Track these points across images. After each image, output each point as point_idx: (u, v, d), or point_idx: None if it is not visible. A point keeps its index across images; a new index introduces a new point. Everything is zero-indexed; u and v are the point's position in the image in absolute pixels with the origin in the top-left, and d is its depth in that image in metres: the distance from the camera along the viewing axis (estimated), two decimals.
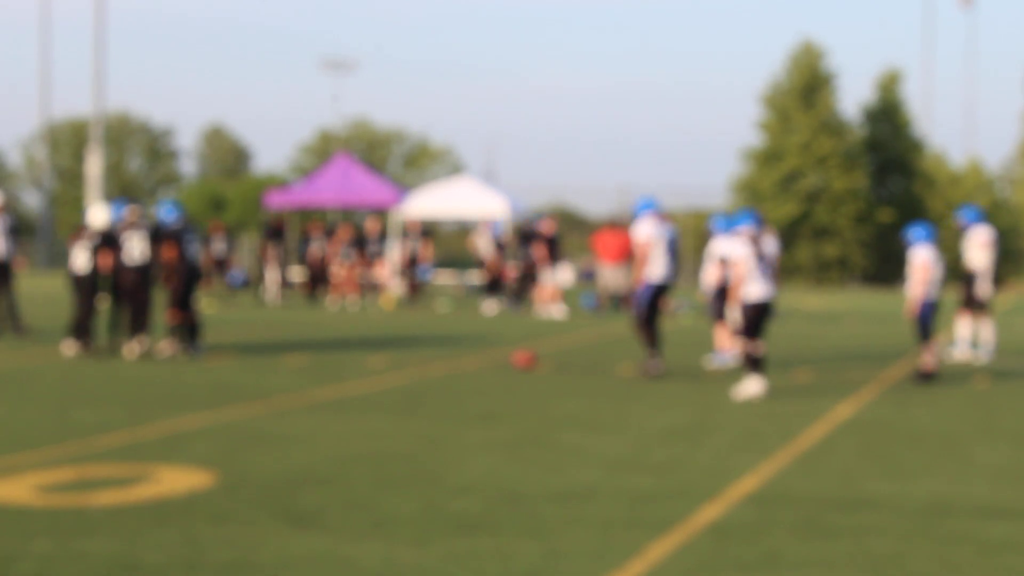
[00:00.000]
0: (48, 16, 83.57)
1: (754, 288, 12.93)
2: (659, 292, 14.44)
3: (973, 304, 17.15)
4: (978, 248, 17.22)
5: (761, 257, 13.00)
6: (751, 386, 12.66)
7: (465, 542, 6.63)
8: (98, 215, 16.31)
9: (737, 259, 13.00)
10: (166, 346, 16.06)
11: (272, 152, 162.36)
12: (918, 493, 8.04)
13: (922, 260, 14.39)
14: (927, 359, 14.26)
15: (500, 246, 28.92)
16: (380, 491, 7.87)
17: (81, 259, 16.02)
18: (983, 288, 17.13)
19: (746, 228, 13.13)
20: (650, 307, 14.40)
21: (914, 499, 7.85)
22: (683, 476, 8.54)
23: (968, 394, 13.33)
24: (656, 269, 14.43)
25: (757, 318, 12.91)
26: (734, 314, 12.92)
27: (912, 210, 49.77)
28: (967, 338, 17.23)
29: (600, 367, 15.30)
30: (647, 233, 14.48)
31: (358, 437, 9.95)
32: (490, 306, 27.87)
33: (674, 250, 14.71)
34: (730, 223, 16.30)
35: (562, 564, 6.24)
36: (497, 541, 6.66)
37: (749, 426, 10.85)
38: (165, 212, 16.49)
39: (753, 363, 12.75)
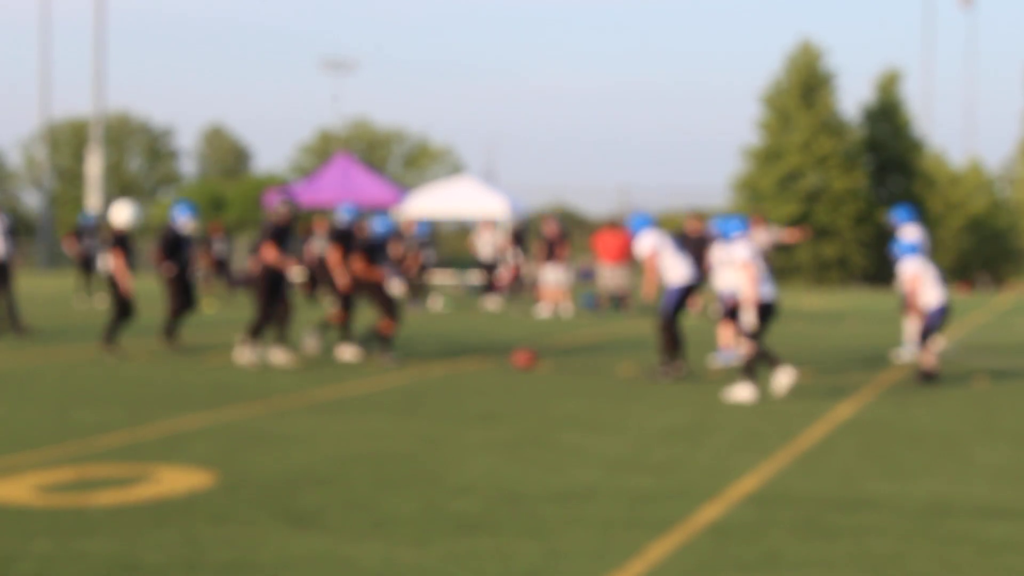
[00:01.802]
0: (48, 16, 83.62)
1: (765, 289, 12.93)
2: (687, 293, 14.31)
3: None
4: None
5: (763, 258, 13.06)
6: (743, 392, 12.63)
7: (465, 542, 6.63)
8: (121, 213, 16.06)
9: (745, 261, 12.93)
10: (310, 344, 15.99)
11: (272, 152, 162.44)
12: (918, 493, 8.04)
13: (911, 273, 14.49)
14: (927, 359, 14.28)
15: (423, 244, 29.05)
16: (380, 491, 7.87)
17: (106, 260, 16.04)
18: None
19: (742, 233, 13.13)
20: (676, 311, 14.30)
21: (914, 499, 7.85)
22: (683, 476, 8.54)
23: (968, 394, 13.33)
24: (679, 271, 14.30)
25: (763, 319, 12.90)
26: (749, 316, 12.84)
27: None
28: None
29: (600, 367, 15.30)
30: (649, 244, 14.40)
31: (358, 437, 9.95)
32: (492, 301, 27.98)
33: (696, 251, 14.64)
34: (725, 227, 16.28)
35: (562, 564, 6.24)
36: (497, 541, 6.66)
37: (749, 426, 10.85)
38: (344, 211, 16.56)
39: (750, 367, 12.73)
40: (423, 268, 29.26)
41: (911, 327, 17.12)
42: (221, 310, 25.44)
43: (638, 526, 7.03)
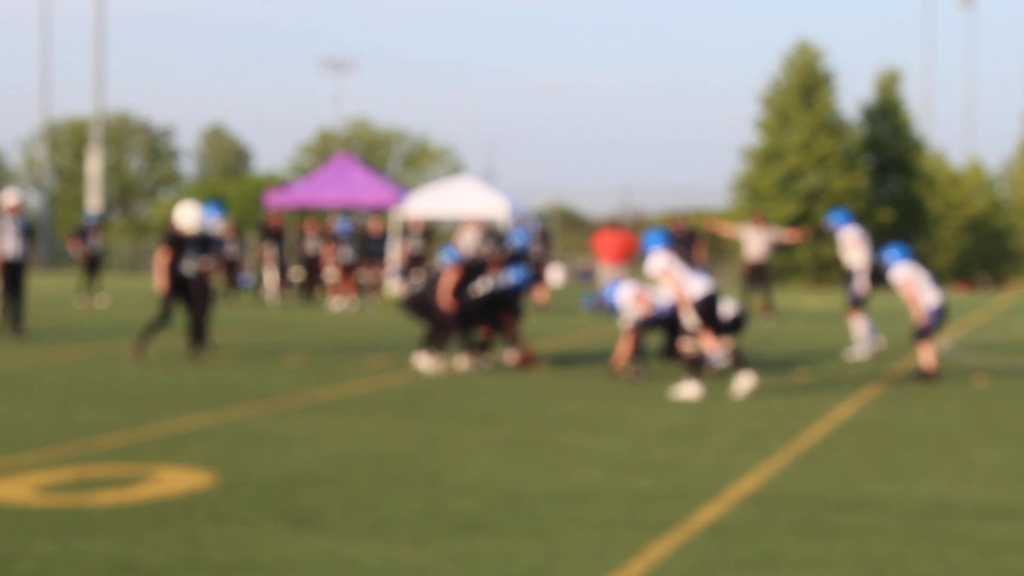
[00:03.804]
0: (48, 16, 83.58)
1: (693, 286, 13.03)
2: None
3: (854, 304, 17.63)
4: (851, 248, 17.85)
5: (683, 258, 13.33)
6: (689, 389, 12.70)
7: (465, 542, 6.63)
8: (186, 215, 15.57)
9: (664, 270, 13.03)
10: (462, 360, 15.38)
11: (272, 152, 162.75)
12: (918, 493, 8.04)
13: (904, 279, 14.56)
14: (927, 359, 14.30)
15: (342, 241, 29.10)
16: (380, 491, 7.87)
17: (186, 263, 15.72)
18: (860, 284, 17.61)
19: (659, 246, 13.21)
20: (658, 324, 14.28)
21: (914, 499, 7.85)
22: (683, 476, 8.53)
23: (968, 394, 13.34)
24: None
25: (710, 311, 12.99)
26: (689, 318, 12.94)
27: (912, 210, 49.77)
28: (865, 335, 17.65)
29: (600, 367, 15.30)
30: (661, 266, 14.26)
31: (358, 437, 9.95)
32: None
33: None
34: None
35: (562, 564, 6.24)
36: (497, 541, 6.66)
37: (749, 426, 10.85)
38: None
39: (696, 366, 12.86)
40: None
41: (858, 326, 17.38)
42: (220, 310, 25.45)
43: (638, 526, 7.03)
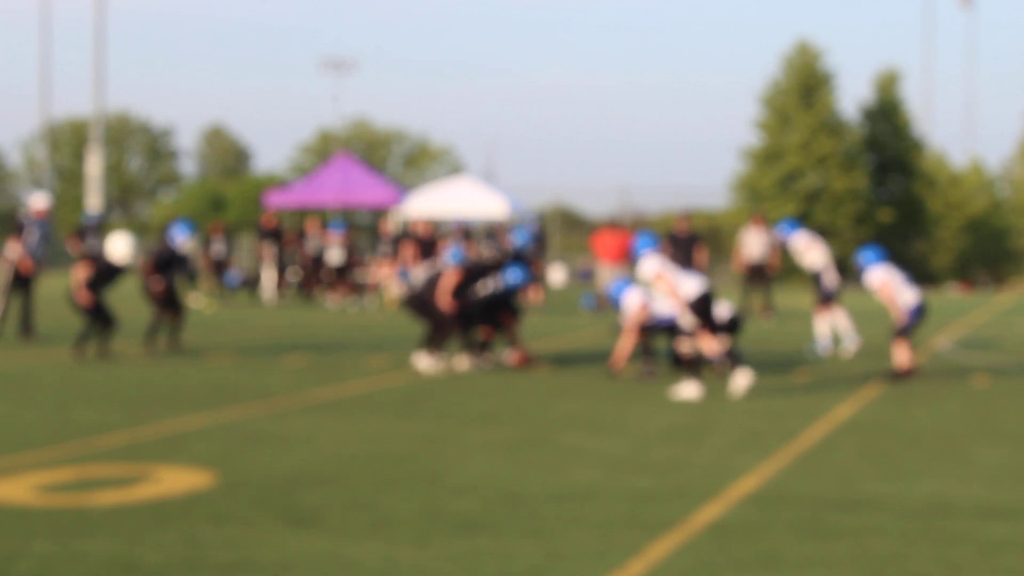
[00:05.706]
0: (48, 16, 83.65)
1: (687, 286, 13.05)
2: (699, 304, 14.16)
3: (826, 300, 17.83)
4: (805, 252, 18.10)
5: (675, 260, 13.40)
6: (689, 389, 12.70)
7: (465, 542, 6.63)
8: (118, 247, 15.73)
9: (656, 273, 13.06)
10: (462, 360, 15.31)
11: (272, 152, 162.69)
12: (918, 493, 8.04)
13: (880, 281, 14.58)
14: (901, 358, 14.32)
15: (333, 243, 29.24)
16: (380, 491, 7.87)
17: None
18: (830, 280, 17.87)
19: (649, 250, 13.29)
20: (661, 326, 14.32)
21: (914, 499, 7.85)
22: (683, 476, 8.54)
23: (968, 394, 13.34)
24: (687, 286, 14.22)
25: (705, 310, 13.00)
26: (686, 319, 12.99)
27: (912, 210, 49.75)
28: (828, 334, 17.87)
29: (600, 367, 15.30)
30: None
31: (358, 437, 9.95)
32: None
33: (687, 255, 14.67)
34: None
35: (562, 564, 6.24)
36: (497, 541, 6.66)
37: (749, 426, 10.85)
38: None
39: (694, 365, 12.88)
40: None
41: (840, 320, 17.48)
42: (220, 310, 25.48)
43: (638, 526, 7.03)
